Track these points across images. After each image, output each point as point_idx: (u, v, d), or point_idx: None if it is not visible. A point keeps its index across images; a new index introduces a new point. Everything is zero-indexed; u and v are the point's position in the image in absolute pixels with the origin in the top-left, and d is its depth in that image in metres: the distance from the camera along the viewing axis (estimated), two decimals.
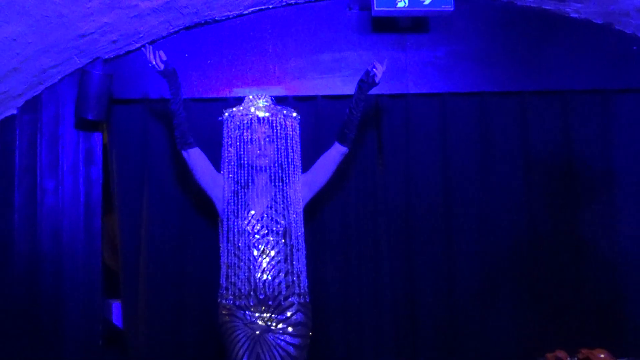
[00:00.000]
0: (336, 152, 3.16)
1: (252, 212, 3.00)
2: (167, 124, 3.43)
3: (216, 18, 3.49)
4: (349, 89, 3.33)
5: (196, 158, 3.11)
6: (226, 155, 3.04)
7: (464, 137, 3.55)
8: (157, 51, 3.01)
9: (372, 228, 3.47)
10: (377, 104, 3.55)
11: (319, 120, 3.50)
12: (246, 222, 2.99)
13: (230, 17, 3.51)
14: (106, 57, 3.42)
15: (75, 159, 3.46)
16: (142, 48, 2.98)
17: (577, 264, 3.53)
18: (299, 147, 3.05)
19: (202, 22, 3.47)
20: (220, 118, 3.09)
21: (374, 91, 3.37)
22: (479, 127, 3.56)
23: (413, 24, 3.51)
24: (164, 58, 2.99)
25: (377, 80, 3.08)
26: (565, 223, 3.55)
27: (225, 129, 3.06)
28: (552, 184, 3.56)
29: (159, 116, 3.47)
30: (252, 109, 3.04)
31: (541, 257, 3.52)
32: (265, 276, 2.95)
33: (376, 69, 3.06)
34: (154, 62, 2.98)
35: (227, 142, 3.04)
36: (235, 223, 2.98)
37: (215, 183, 3.09)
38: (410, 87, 3.55)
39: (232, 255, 2.97)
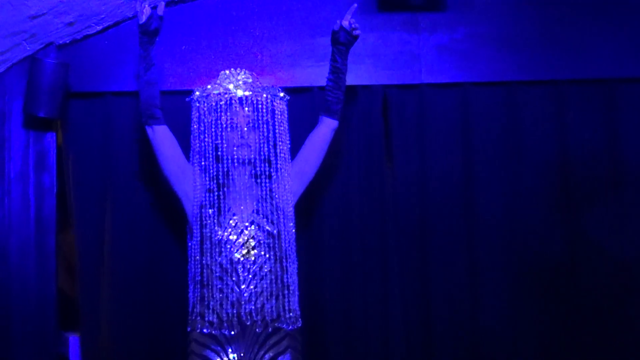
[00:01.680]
0: (327, 129, 2.92)
1: (235, 217, 2.71)
2: (134, 122, 3.23)
3: None
4: (351, 78, 3.17)
5: (163, 138, 2.84)
6: (197, 145, 2.75)
7: (488, 133, 3.37)
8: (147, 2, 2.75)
9: (379, 238, 3.33)
10: (385, 95, 3.36)
11: (315, 115, 3.19)
12: (229, 230, 2.70)
13: None
14: (61, 42, 3.24)
15: (24, 165, 3.28)
16: None
17: (625, 283, 3.32)
18: (287, 134, 2.80)
19: (176, 0, 3.28)
20: (188, 98, 2.83)
21: (380, 81, 3.31)
22: (505, 122, 3.38)
23: (427, 1, 3.33)
24: (160, 13, 2.75)
25: (357, 32, 2.85)
26: (611, 233, 3.35)
27: (195, 112, 2.78)
28: (594, 187, 3.37)
29: (125, 113, 3.28)
30: (231, 87, 2.76)
31: (581, 273, 3.33)
32: (253, 298, 2.68)
33: (353, 25, 2.84)
34: (139, 8, 2.72)
35: (199, 128, 2.75)
36: (214, 231, 2.69)
37: (184, 176, 2.81)
38: (424, 76, 3.37)
39: (210, 271, 2.68)
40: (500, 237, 3.34)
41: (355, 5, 2.88)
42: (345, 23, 2.84)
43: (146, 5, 2.74)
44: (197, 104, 2.77)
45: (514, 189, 3.36)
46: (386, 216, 3.33)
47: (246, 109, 2.74)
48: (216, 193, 2.73)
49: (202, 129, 2.73)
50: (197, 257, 2.72)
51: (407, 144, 3.36)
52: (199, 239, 2.72)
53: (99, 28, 3.25)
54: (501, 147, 3.38)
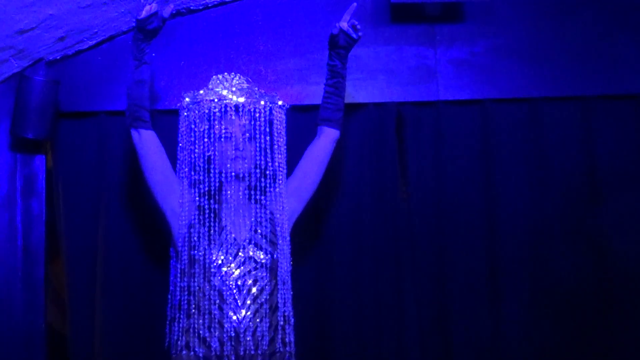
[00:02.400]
0: (327, 140, 2.77)
1: (231, 237, 2.55)
2: (129, 144, 3.08)
3: (191, 7, 3.27)
4: (363, 95, 3.24)
5: (149, 144, 2.67)
6: (186, 157, 2.60)
7: (510, 154, 3.32)
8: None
9: (393, 265, 3.26)
10: (399, 113, 3.32)
11: None
12: (223, 251, 2.52)
13: (210, 5, 3.30)
14: (51, 58, 3.22)
15: (12, 190, 3.24)
16: None
17: None
18: (285, 148, 2.65)
19: (174, 12, 3.22)
20: (177, 106, 2.68)
21: (394, 98, 3.32)
22: (529, 141, 3.33)
23: (444, 12, 3.30)
24: (166, 15, 2.61)
25: (359, 34, 2.72)
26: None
27: (183, 120, 2.63)
28: (625, 208, 3.30)
29: (120, 134, 3.22)
30: (225, 93, 2.60)
31: (608, 293, 3.25)
32: (251, 328, 2.49)
33: (356, 26, 2.71)
34: (143, 1, 2.58)
35: (189, 138, 2.60)
36: (207, 253, 2.52)
37: (171, 189, 2.64)
38: (441, 92, 3.33)
39: (200, 298, 2.50)
40: (525, 262, 3.28)
41: (355, 4, 2.74)
42: (344, 25, 2.69)
43: (154, 3, 2.61)
44: (186, 112, 2.62)
45: (539, 211, 3.29)
46: (401, 243, 3.26)
47: (243, 119, 2.60)
48: (208, 210, 2.57)
49: (193, 139, 2.58)
50: (183, 281, 2.54)
51: (423, 165, 3.31)
52: (186, 261, 2.54)
53: (91, 43, 3.22)
54: (525, 168, 3.32)
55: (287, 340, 2.55)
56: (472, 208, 3.30)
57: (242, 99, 2.57)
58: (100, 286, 3.15)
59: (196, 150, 2.57)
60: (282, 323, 2.55)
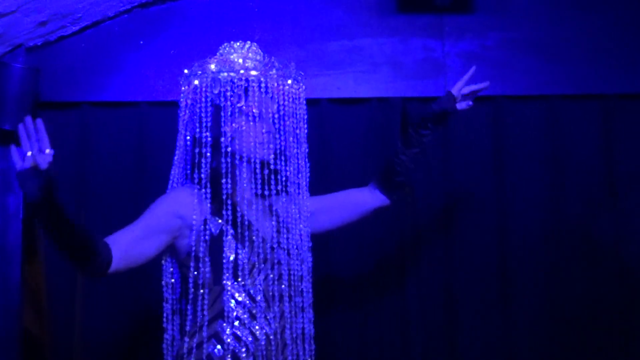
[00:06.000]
0: (375, 202, 2.58)
1: (260, 236, 2.32)
2: (114, 137, 3.20)
3: None
4: (365, 89, 3.25)
5: (123, 263, 2.29)
6: (202, 140, 2.32)
7: (524, 154, 3.31)
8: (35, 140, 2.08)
9: (396, 278, 3.23)
10: (404, 110, 3.28)
11: (323, 132, 3.22)
12: (254, 253, 2.30)
13: None
14: (31, 44, 3.20)
15: None
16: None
17: None
18: (305, 131, 2.44)
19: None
20: (194, 74, 2.38)
21: (400, 93, 3.28)
22: (545, 140, 3.32)
23: (453, 2, 3.27)
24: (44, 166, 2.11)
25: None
26: None
27: (198, 94, 2.34)
28: None
29: (104, 126, 3.23)
30: (249, 63, 2.36)
31: (633, 314, 3.25)
32: (278, 336, 2.31)
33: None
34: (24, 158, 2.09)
35: (207, 118, 2.31)
36: (230, 251, 2.28)
37: (173, 232, 2.34)
38: (449, 87, 3.17)
39: (231, 305, 2.27)
40: (537, 267, 3.27)
41: (473, 67, 2.69)
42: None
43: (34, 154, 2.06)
44: (203, 87, 2.33)
45: (554, 214, 3.27)
46: (405, 246, 3.24)
47: (272, 98, 2.38)
48: (231, 205, 2.32)
49: (219, 118, 2.31)
50: (193, 286, 2.28)
51: (430, 166, 3.27)
52: (200, 263, 2.28)
53: (75, 29, 3.20)
54: (539, 169, 3.30)
55: (309, 347, 2.40)
56: (483, 211, 3.27)
57: (267, 74, 2.35)
58: (81, 289, 3.11)
59: (228, 131, 2.31)
60: (306, 330, 2.39)
